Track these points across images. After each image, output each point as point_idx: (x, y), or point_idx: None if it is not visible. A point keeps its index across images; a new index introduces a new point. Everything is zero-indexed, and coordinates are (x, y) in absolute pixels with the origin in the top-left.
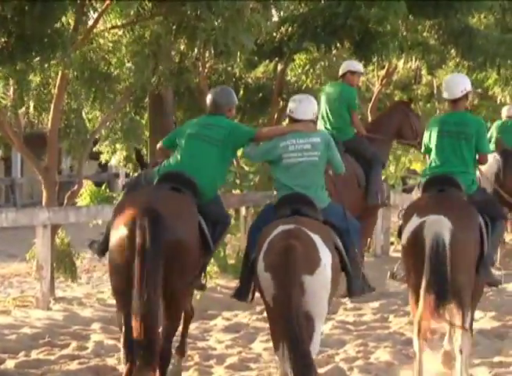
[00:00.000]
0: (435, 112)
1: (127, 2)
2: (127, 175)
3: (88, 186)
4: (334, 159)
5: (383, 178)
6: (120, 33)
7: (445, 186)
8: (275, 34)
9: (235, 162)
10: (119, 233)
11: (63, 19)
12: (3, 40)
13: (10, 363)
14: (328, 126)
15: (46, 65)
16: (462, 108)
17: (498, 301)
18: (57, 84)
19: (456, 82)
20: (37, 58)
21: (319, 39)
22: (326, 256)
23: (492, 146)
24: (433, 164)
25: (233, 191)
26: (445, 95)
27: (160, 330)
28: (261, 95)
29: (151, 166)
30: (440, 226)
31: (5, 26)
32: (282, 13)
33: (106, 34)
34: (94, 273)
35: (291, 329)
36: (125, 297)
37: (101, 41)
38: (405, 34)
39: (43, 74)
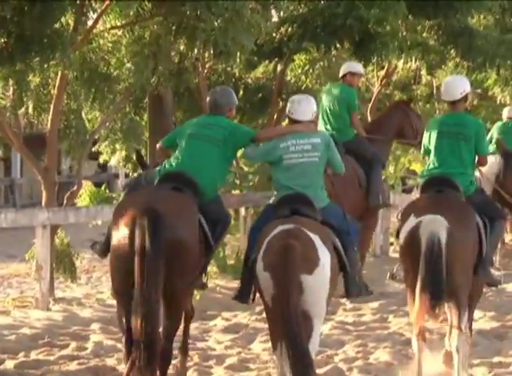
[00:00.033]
0: (435, 112)
1: (126, 3)
2: (126, 176)
3: (87, 187)
4: (334, 159)
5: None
6: (119, 33)
7: (443, 187)
8: (274, 35)
9: (234, 163)
10: (119, 233)
11: (63, 19)
12: (3, 40)
13: (9, 364)
14: (328, 127)
15: (46, 65)
16: (461, 109)
17: (497, 302)
18: (57, 85)
19: (456, 84)
20: (37, 58)
21: (318, 39)
22: (324, 256)
23: (492, 147)
24: (431, 165)
25: (233, 191)
26: (444, 96)
27: (161, 330)
28: (260, 95)
29: (152, 166)
30: (436, 226)
31: (4, 26)
32: (281, 14)
33: (106, 35)
34: (93, 274)
35: (290, 328)
36: (126, 297)
37: (100, 41)
38: (404, 34)
39: (42, 74)
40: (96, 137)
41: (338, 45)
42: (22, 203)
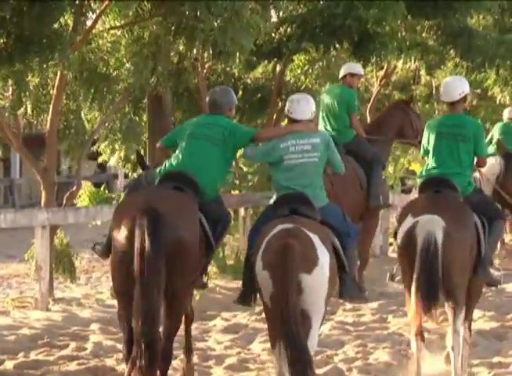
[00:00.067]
0: (434, 112)
1: (125, 3)
2: (126, 176)
3: (86, 187)
4: (334, 159)
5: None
6: (118, 33)
7: (441, 188)
8: (274, 35)
9: (234, 163)
10: (119, 233)
11: (62, 19)
12: (2, 41)
13: (9, 364)
14: (328, 128)
15: (45, 66)
16: (460, 110)
17: (497, 302)
18: (56, 85)
19: (455, 85)
20: (36, 59)
21: (317, 40)
22: (324, 256)
23: (493, 148)
24: (430, 166)
25: (232, 192)
26: (443, 97)
27: (161, 330)
28: (259, 95)
29: (152, 167)
30: (433, 225)
31: (3, 26)
32: (281, 14)
33: (105, 35)
34: (93, 274)
35: (288, 327)
36: (127, 297)
37: (100, 41)
38: (404, 34)
39: (42, 74)
40: (95, 137)
41: (337, 46)
42: (21, 203)
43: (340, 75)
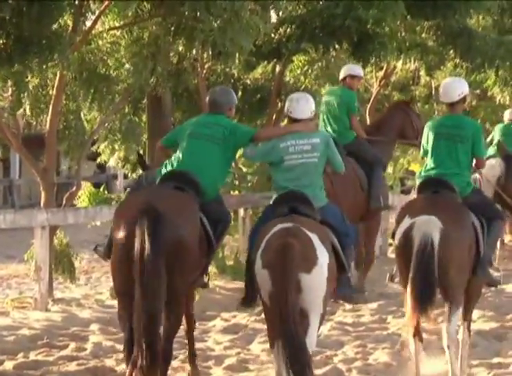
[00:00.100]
0: (433, 113)
1: (125, 3)
2: (125, 176)
3: (86, 188)
4: (334, 158)
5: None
6: (118, 34)
7: (439, 188)
8: (273, 35)
9: (233, 163)
10: (120, 233)
11: (61, 20)
12: (1, 41)
13: (9, 365)
14: (329, 129)
15: (44, 66)
16: (459, 111)
17: (496, 302)
18: (55, 86)
19: (454, 86)
20: (36, 59)
21: (317, 40)
22: (323, 255)
23: (493, 150)
24: (428, 167)
25: (232, 192)
26: (442, 98)
27: (161, 330)
28: (259, 96)
29: (152, 167)
30: (430, 226)
31: (3, 27)
32: (280, 14)
33: (105, 36)
34: (92, 274)
35: (287, 327)
36: (127, 297)
37: (99, 42)
38: (403, 35)
39: (41, 75)
40: (95, 138)
41: (337, 46)
42: (21, 204)
43: (341, 77)
